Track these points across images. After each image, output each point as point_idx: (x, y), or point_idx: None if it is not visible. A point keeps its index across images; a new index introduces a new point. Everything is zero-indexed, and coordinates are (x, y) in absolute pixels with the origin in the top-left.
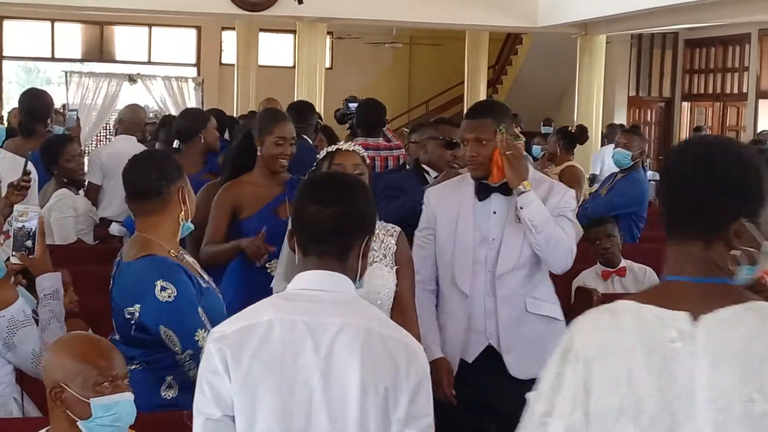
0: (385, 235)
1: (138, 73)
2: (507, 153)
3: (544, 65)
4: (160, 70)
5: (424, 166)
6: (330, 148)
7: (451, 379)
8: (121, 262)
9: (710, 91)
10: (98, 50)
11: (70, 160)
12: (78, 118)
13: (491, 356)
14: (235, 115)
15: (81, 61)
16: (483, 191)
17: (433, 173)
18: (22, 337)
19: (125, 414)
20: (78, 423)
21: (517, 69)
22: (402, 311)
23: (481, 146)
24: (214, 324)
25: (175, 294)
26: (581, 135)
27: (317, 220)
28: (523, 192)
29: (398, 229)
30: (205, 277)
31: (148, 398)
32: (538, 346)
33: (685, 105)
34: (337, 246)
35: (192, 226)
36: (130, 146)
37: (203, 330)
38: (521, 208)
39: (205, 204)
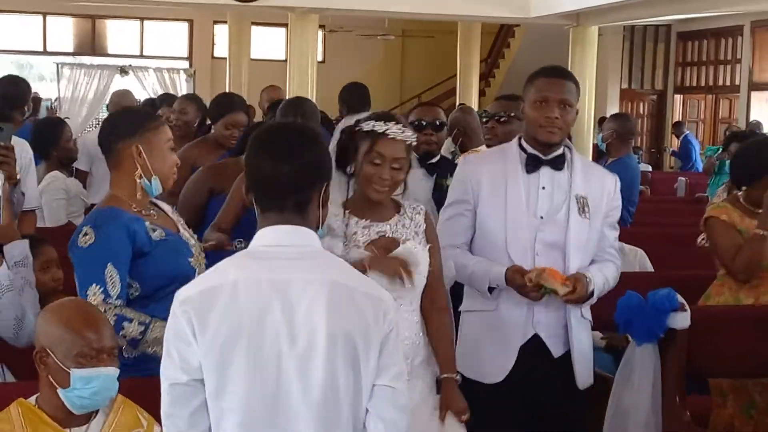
0: (413, 213)
1: (129, 65)
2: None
3: (537, 58)
4: (152, 63)
5: None
6: (377, 126)
7: (526, 274)
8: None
9: (702, 83)
10: (90, 44)
11: (69, 140)
12: (52, 108)
13: (535, 347)
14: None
15: (73, 54)
16: (533, 163)
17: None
18: (6, 301)
19: (105, 388)
20: (58, 391)
21: (510, 62)
22: (434, 297)
23: (565, 111)
24: (174, 274)
25: (92, 242)
26: None
27: (273, 177)
28: (591, 293)
29: (423, 206)
30: (162, 231)
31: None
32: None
33: (678, 97)
34: (296, 201)
35: (158, 185)
36: None
37: (99, 287)
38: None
39: (199, 185)
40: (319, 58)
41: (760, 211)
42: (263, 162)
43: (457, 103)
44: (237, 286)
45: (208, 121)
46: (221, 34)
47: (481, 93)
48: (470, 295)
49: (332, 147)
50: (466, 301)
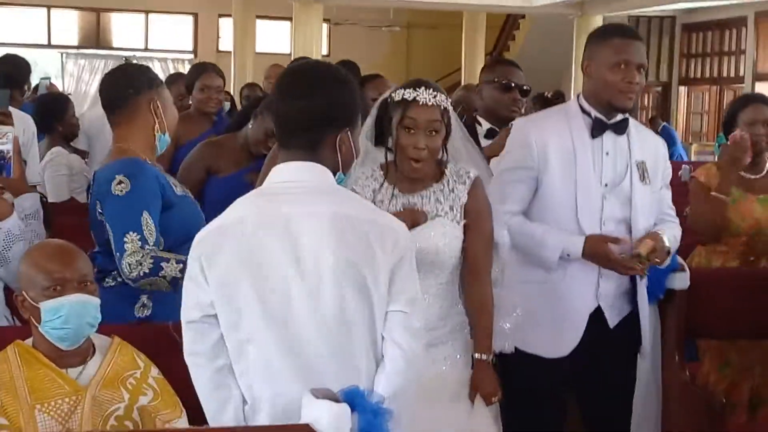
0: (456, 183)
1: (134, 56)
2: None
3: (542, 50)
4: (157, 57)
5: (478, 117)
6: (406, 94)
7: (615, 243)
8: (96, 172)
9: (707, 75)
10: (95, 37)
11: (73, 115)
12: (52, 84)
13: (593, 318)
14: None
15: (77, 48)
16: (597, 127)
17: (485, 125)
18: (16, 250)
19: (74, 315)
20: (38, 328)
21: (515, 54)
22: (475, 274)
23: (641, 75)
24: (193, 231)
25: (128, 190)
26: (557, 100)
27: (286, 114)
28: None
29: (474, 174)
30: (182, 188)
31: (121, 317)
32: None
33: (682, 89)
34: (306, 139)
35: (168, 139)
36: None
37: (136, 234)
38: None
39: (197, 163)
40: (324, 51)
41: (744, 174)
42: (279, 99)
43: None
44: (244, 222)
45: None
46: (226, 27)
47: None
48: (525, 265)
49: (368, 123)
50: (520, 270)
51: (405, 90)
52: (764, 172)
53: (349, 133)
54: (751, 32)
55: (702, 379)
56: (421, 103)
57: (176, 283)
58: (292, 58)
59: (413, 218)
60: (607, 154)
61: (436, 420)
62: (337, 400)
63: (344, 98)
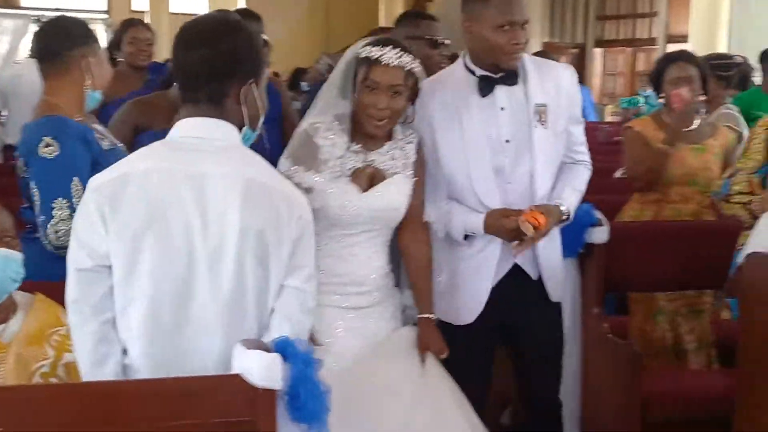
0: (405, 142)
1: (44, 15)
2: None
3: (459, 11)
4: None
5: None
6: (371, 52)
7: (510, 211)
8: (24, 125)
9: (621, 36)
10: None
11: None
12: None
13: (516, 276)
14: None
15: None
16: (485, 85)
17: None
18: None
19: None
20: None
21: (434, 11)
22: (417, 231)
23: (526, 32)
24: None
25: (57, 154)
26: None
27: (186, 65)
28: (564, 214)
29: (417, 134)
30: (114, 140)
31: (47, 267)
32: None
33: (598, 51)
34: (209, 91)
35: (99, 96)
36: (35, 69)
37: (65, 201)
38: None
39: (125, 122)
40: None
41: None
42: (180, 51)
43: None
44: (149, 174)
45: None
46: None
47: None
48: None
49: (334, 74)
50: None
51: (372, 48)
52: (692, 126)
53: (253, 84)
54: None
55: (636, 330)
56: (383, 63)
57: None
58: None
59: (378, 175)
60: (503, 108)
61: (388, 378)
62: (268, 350)
63: (246, 48)
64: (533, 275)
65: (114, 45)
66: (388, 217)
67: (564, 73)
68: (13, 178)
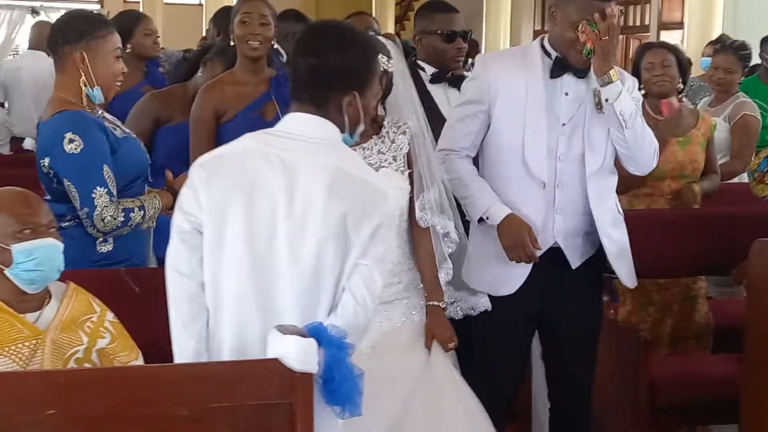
0: (396, 133)
1: (41, 5)
2: (604, 38)
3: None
4: (63, 7)
5: (420, 62)
6: None
7: (533, 235)
8: (40, 123)
9: None
10: None
11: None
12: None
13: (554, 258)
14: None
15: None
16: (557, 68)
17: (430, 69)
18: None
19: (47, 258)
20: (5, 272)
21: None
22: (413, 218)
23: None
24: (139, 170)
25: (82, 147)
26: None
27: (298, 69)
28: (611, 82)
29: (413, 125)
30: (124, 128)
31: (83, 253)
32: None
33: None
34: (312, 96)
35: (100, 95)
36: (35, 61)
37: (103, 188)
38: (607, 100)
39: (145, 115)
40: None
41: (653, 114)
42: (296, 53)
43: None
44: (247, 152)
45: None
46: None
47: (396, 35)
48: None
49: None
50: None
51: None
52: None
53: (357, 96)
54: None
55: (625, 319)
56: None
57: (137, 227)
58: (204, 9)
59: None
60: (567, 94)
61: (390, 371)
62: (303, 336)
63: (353, 62)
64: (573, 263)
65: (124, 34)
66: None
67: (629, 78)
68: (24, 169)
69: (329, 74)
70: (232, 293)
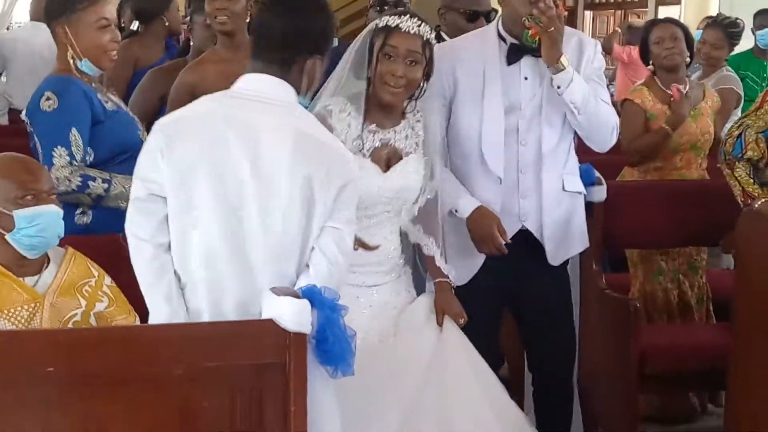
0: (415, 121)
1: None
2: (549, 30)
3: None
4: None
5: (443, 34)
6: (389, 21)
7: (502, 227)
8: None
9: None
10: None
11: None
12: None
13: (521, 239)
14: None
15: None
16: (513, 55)
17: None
18: None
19: (50, 225)
20: (6, 237)
21: None
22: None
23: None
24: (125, 144)
25: (56, 107)
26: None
27: (266, 29)
28: (561, 70)
29: (423, 113)
30: (114, 99)
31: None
32: (569, 226)
33: (588, 13)
34: (281, 57)
35: (91, 66)
36: (34, 33)
37: (65, 149)
38: (558, 87)
39: (149, 90)
40: None
41: (665, 89)
42: (265, 12)
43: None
44: (206, 116)
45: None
46: None
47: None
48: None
49: (349, 52)
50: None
51: (390, 18)
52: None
53: (318, 61)
54: None
55: (638, 292)
56: (403, 30)
57: (99, 201)
58: None
59: (390, 156)
60: (526, 78)
61: (408, 352)
62: (297, 297)
63: (323, 27)
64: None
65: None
66: (405, 197)
67: (588, 43)
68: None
69: (303, 36)
70: (204, 253)
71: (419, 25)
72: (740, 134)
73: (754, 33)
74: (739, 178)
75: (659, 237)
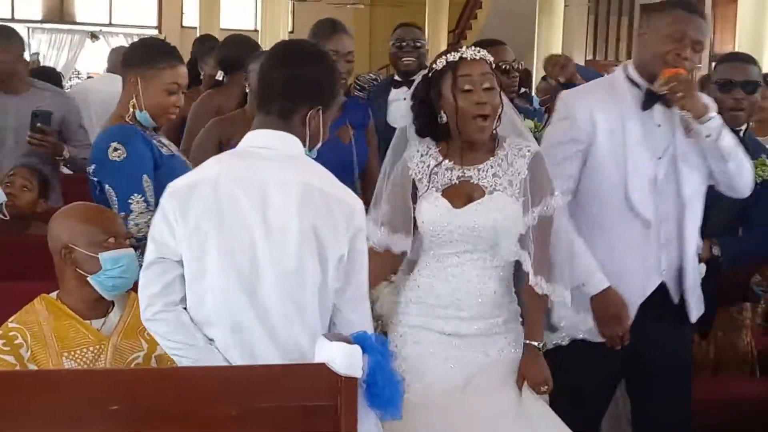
0: (515, 156)
1: (100, 30)
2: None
3: (504, 29)
4: (122, 32)
5: None
6: (451, 57)
7: (628, 316)
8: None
9: None
10: (59, 11)
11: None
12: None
13: (658, 297)
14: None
15: (41, 22)
16: (649, 100)
17: None
18: None
19: (131, 267)
20: (89, 278)
21: (477, 33)
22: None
23: (695, 54)
24: None
25: (125, 156)
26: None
27: (267, 79)
28: (711, 118)
29: (535, 148)
30: (171, 148)
31: None
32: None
33: None
34: (281, 107)
35: (147, 119)
36: (107, 84)
37: (140, 196)
38: (708, 136)
39: (209, 138)
40: (290, 28)
41: None
42: (264, 66)
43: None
44: (216, 180)
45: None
46: (190, 2)
47: None
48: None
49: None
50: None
51: (446, 56)
52: None
53: (320, 112)
54: (708, 14)
55: None
56: (469, 59)
57: None
58: (261, 35)
59: (468, 193)
60: (659, 126)
61: (480, 407)
62: (348, 343)
63: (326, 79)
64: (675, 298)
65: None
66: (489, 237)
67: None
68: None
69: (303, 85)
70: (227, 322)
71: (479, 51)
72: None
73: None
74: None
75: None
